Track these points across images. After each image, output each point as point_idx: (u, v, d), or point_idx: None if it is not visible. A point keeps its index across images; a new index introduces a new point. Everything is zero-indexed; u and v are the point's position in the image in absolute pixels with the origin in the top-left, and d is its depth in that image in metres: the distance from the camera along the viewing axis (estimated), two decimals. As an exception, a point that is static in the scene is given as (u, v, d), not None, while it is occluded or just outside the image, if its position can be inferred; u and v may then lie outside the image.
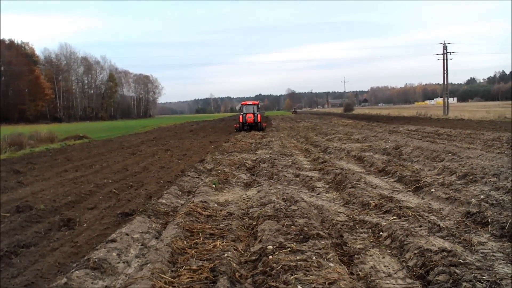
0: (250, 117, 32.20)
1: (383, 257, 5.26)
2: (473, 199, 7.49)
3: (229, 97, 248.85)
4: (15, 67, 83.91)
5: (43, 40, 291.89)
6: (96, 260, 4.87)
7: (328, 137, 23.43)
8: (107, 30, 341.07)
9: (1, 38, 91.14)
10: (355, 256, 5.33)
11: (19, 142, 22.67)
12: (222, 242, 5.59)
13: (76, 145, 24.68)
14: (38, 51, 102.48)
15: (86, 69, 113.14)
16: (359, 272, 4.84)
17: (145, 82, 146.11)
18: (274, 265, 4.60)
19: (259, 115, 32.94)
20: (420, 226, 6.20)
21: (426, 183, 9.11)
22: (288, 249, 5.10)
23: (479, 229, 6.12)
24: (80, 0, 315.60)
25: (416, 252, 5.03)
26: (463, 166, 11.23)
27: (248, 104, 33.51)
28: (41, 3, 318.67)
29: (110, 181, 11.54)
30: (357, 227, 6.49)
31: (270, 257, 4.88)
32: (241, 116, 33.16)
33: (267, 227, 6.06)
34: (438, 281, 4.32)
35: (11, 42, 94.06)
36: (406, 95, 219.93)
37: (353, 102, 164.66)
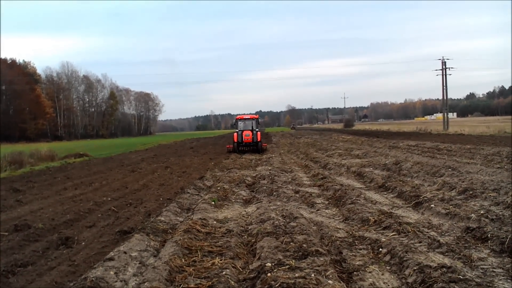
0: (247, 135, 25.62)
1: (383, 274, 5.22)
2: (473, 215, 7.47)
3: (229, 114, 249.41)
4: (17, 86, 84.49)
5: (45, 59, 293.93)
6: (93, 279, 4.84)
7: (328, 153, 23.45)
8: (108, 49, 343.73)
9: (4, 57, 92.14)
10: (354, 273, 5.29)
11: (20, 160, 22.66)
12: (221, 260, 5.56)
13: (76, 163, 24.68)
14: (40, 70, 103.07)
15: (87, 88, 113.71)
16: (359, 289, 4.80)
17: (146, 100, 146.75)
18: (273, 282, 4.56)
19: (258, 133, 26.10)
20: (420, 242, 6.18)
21: (426, 198, 9.09)
22: (287, 266, 5.07)
23: (479, 245, 6.09)
24: (82, 20, 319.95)
25: (415, 268, 5.00)
26: (463, 181, 11.21)
27: (246, 119, 26.74)
28: (43, 23, 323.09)
29: (109, 199, 11.52)
30: (357, 244, 6.45)
31: (269, 274, 4.85)
32: (235, 134, 26.40)
33: (266, 244, 6.03)
34: (438, 297, 4.29)
35: (13, 62, 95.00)
36: (406, 111, 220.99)
37: (353, 118, 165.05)
